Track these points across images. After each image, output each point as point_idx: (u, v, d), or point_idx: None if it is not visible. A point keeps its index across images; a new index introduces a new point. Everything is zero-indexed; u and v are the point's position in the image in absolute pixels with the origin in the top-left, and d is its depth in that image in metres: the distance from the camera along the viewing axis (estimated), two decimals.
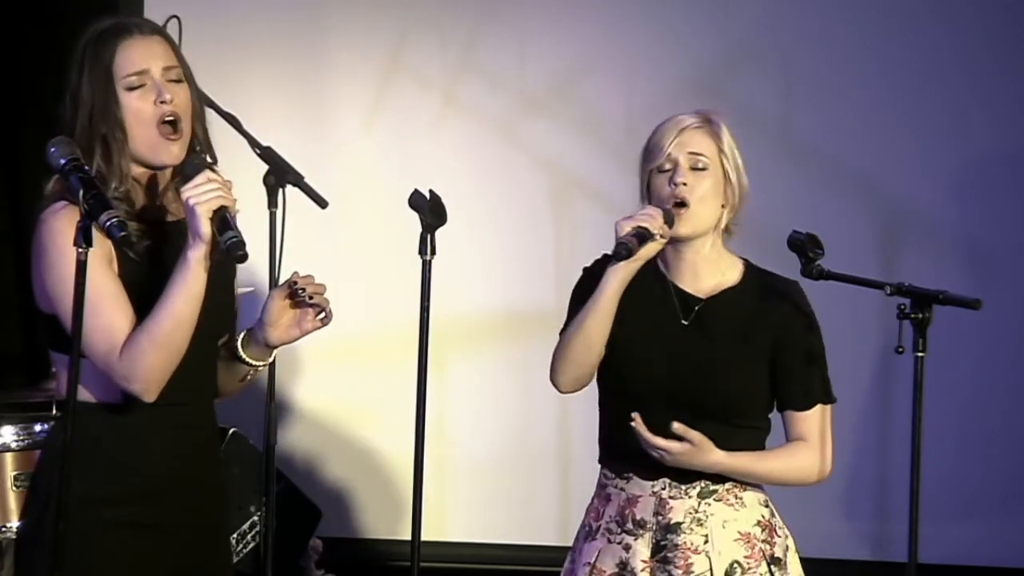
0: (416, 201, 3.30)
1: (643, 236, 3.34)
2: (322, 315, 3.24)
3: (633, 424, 3.29)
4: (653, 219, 3.37)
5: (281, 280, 3.38)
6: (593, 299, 3.43)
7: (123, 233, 2.88)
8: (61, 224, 3.09)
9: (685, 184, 3.42)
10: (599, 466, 3.58)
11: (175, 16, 3.29)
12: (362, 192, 5.79)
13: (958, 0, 5.75)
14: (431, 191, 3.30)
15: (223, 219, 3.07)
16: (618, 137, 5.60)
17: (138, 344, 3.08)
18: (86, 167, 2.99)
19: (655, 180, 3.47)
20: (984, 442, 5.72)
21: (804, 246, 3.58)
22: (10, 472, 4.94)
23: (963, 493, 5.64)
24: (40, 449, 4.91)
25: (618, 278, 3.41)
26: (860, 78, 5.75)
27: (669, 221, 3.40)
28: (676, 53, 5.79)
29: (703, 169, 3.45)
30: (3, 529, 4.94)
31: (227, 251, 3.05)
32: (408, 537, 3.35)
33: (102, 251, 3.07)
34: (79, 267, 2.92)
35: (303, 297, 3.22)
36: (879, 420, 5.74)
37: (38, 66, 6.03)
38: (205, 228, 3.05)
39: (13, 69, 6.06)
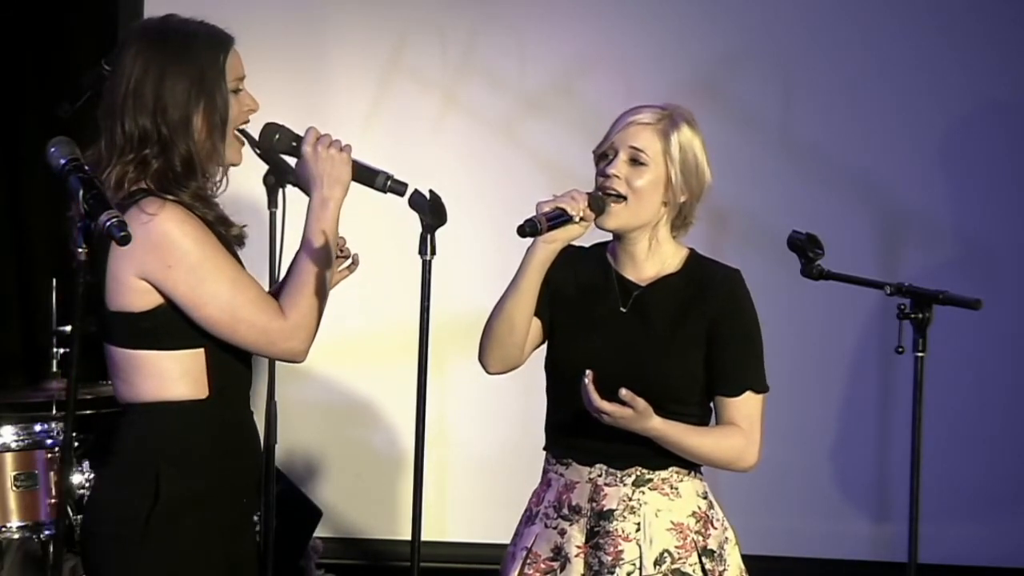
0: (416, 201, 3.30)
1: (557, 217, 3.36)
2: (349, 263, 3.50)
3: (585, 381, 3.27)
4: (575, 202, 3.38)
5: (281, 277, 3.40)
6: (513, 278, 3.46)
7: (123, 233, 2.88)
8: (180, 215, 3.14)
9: (618, 176, 3.43)
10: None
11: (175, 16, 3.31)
12: (362, 192, 5.77)
13: (958, 1, 5.75)
14: (431, 191, 3.30)
15: (359, 164, 3.32)
16: None
17: (298, 301, 3.19)
18: (86, 167, 2.99)
19: (599, 165, 3.50)
20: (984, 442, 5.72)
21: (804, 246, 3.59)
22: (10, 472, 4.94)
23: (963, 493, 5.65)
24: (40, 449, 4.98)
25: (536, 258, 3.43)
26: (860, 78, 5.75)
27: (596, 207, 3.41)
28: (676, 53, 5.79)
29: (642, 164, 3.44)
30: (3, 529, 4.93)
31: (391, 191, 3.30)
32: (408, 537, 3.35)
33: (211, 233, 3.15)
34: (80, 266, 2.92)
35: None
36: (879, 420, 5.75)
37: (39, 66, 6.03)
38: (348, 175, 3.30)
39: (13, 69, 6.06)
